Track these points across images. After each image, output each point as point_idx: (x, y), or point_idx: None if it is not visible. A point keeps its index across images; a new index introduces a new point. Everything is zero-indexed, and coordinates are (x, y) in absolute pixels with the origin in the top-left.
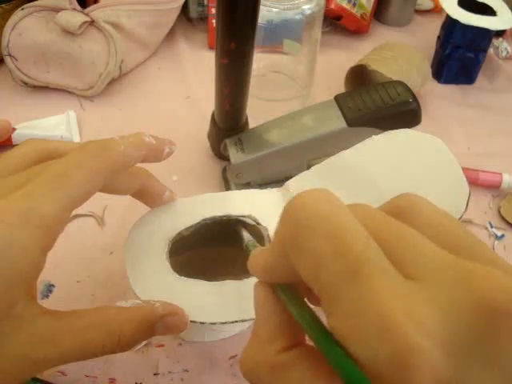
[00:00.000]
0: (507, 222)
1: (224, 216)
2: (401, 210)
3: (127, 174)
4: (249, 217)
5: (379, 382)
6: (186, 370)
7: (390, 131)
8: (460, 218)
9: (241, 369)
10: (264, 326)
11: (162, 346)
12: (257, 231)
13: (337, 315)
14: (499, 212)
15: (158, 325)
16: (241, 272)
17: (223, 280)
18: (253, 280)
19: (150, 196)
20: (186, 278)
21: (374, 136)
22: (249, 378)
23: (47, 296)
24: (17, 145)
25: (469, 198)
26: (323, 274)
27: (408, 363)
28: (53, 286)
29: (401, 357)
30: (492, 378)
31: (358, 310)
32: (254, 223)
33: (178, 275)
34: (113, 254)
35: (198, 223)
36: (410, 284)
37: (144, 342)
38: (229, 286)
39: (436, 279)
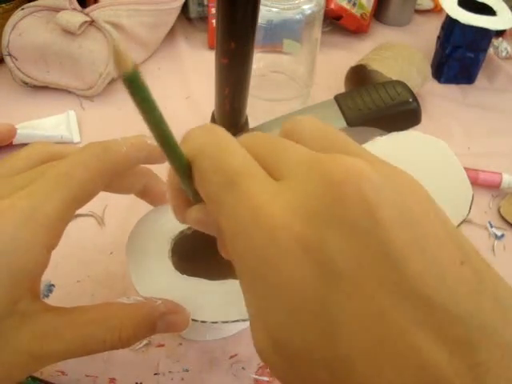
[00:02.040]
0: (507, 222)
1: None
2: (288, 131)
3: (130, 173)
4: None
5: (259, 262)
6: (187, 370)
7: (394, 133)
8: (463, 221)
9: None
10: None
11: (163, 345)
12: None
13: (221, 219)
14: (499, 212)
15: (159, 322)
16: None
17: (225, 279)
18: None
19: (153, 195)
20: (188, 277)
21: (377, 137)
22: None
23: (47, 296)
24: (17, 145)
25: (472, 201)
26: (208, 186)
27: (275, 235)
28: (53, 285)
29: (270, 232)
30: (343, 236)
31: (236, 210)
32: None
33: (180, 274)
34: (113, 254)
35: None
36: (278, 183)
37: (144, 342)
38: (231, 285)
39: (296, 174)
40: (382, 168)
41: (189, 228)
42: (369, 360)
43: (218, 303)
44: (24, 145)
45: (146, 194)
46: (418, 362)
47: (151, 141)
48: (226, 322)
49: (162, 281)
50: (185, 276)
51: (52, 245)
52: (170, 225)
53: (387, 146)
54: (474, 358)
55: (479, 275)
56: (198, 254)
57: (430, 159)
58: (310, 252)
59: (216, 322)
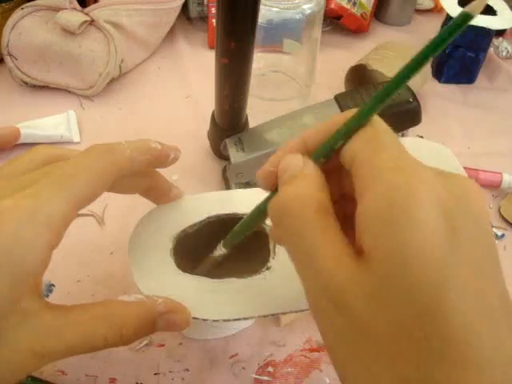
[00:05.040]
0: (507, 222)
1: (229, 214)
2: None
3: (134, 173)
4: None
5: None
6: (187, 370)
7: (399, 138)
8: None
9: (276, 204)
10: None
11: (163, 345)
12: (261, 230)
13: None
14: (499, 212)
15: (159, 321)
16: (244, 270)
17: (227, 278)
18: (256, 279)
19: (156, 194)
20: (189, 275)
21: None
22: (279, 213)
23: (47, 296)
24: (17, 144)
25: None
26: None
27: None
28: (53, 285)
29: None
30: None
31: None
32: None
33: (181, 272)
34: (113, 254)
35: (202, 221)
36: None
37: (145, 342)
38: (232, 283)
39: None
40: None
41: (190, 227)
42: None
43: (219, 302)
44: (24, 144)
45: (150, 192)
46: None
47: (155, 145)
48: (228, 320)
49: (163, 279)
50: (186, 274)
51: (54, 244)
52: (171, 223)
53: None
54: None
55: None
56: (200, 253)
57: (432, 165)
58: None
59: (217, 321)
